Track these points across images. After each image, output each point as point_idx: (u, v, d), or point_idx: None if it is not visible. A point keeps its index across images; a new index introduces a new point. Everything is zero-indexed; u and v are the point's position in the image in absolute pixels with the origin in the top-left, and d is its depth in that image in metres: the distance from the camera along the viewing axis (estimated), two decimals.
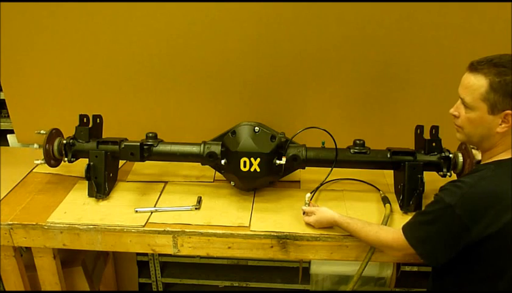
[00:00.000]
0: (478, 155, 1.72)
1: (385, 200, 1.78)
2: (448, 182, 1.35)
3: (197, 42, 1.98)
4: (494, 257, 1.29)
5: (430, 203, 1.36)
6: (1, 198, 1.85)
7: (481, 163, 1.39)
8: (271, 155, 1.70)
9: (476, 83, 1.28)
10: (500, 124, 1.28)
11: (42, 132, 1.82)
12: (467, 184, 1.28)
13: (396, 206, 1.76)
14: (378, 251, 1.59)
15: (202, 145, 1.79)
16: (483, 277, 1.33)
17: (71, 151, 1.85)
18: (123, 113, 2.16)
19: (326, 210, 1.62)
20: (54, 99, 2.19)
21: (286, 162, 1.70)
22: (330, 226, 1.63)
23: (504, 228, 1.24)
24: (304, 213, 1.68)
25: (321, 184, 1.88)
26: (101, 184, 1.81)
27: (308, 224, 1.66)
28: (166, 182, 1.98)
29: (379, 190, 1.86)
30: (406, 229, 1.41)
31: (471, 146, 1.70)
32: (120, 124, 2.09)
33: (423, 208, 1.56)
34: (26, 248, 2.03)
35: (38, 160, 1.84)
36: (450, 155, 1.72)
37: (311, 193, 1.79)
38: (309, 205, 1.69)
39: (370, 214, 1.72)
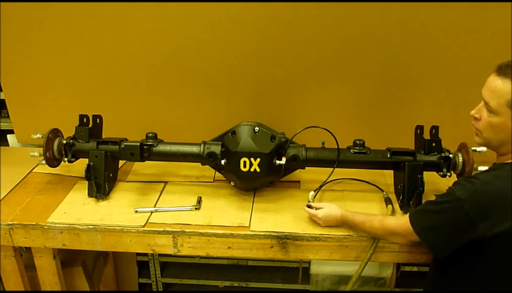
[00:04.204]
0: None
1: (387, 201, 1.78)
2: (463, 177, 1.35)
3: (197, 42, 1.98)
4: (497, 258, 1.29)
5: (441, 194, 1.36)
6: (1, 198, 1.85)
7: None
8: (271, 156, 1.70)
9: (503, 89, 1.25)
10: None
11: (38, 136, 1.83)
12: (481, 180, 1.28)
13: (396, 206, 1.76)
14: (379, 250, 1.59)
15: (202, 145, 1.79)
16: (485, 277, 1.33)
17: (71, 151, 1.85)
18: (123, 113, 2.16)
19: (335, 207, 1.63)
20: (54, 99, 2.18)
21: (286, 162, 1.70)
22: (335, 224, 1.63)
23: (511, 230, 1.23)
24: (309, 206, 1.68)
25: (324, 183, 1.87)
26: (101, 184, 1.81)
27: (312, 220, 1.66)
28: (166, 182, 1.98)
29: (382, 191, 1.86)
30: (412, 215, 1.41)
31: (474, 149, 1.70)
32: (120, 124, 2.09)
33: None
34: (26, 248, 2.03)
35: (35, 154, 1.85)
36: (450, 155, 1.72)
37: (314, 191, 1.79)
38: (312, 203, 1.70)
39: None
